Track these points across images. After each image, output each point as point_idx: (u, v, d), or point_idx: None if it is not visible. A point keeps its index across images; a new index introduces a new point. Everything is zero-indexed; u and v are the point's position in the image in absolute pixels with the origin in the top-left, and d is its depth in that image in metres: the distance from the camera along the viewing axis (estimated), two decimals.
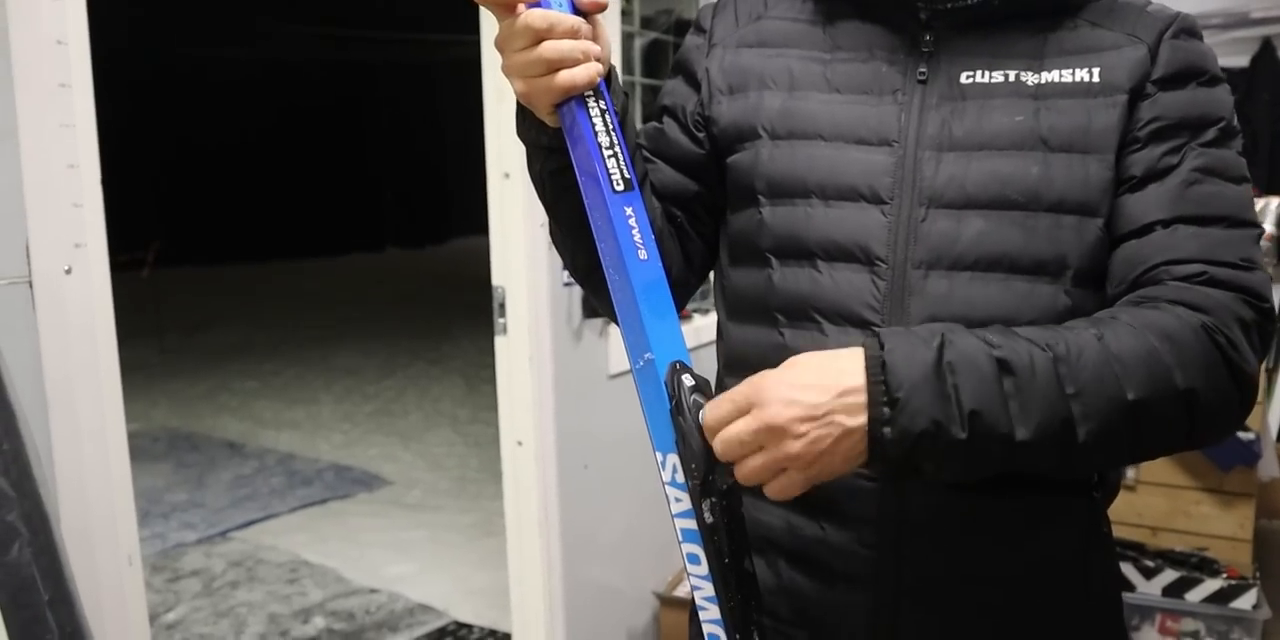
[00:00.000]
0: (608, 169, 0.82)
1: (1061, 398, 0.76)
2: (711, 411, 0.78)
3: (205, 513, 4.18)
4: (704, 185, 1.05)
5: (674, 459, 0.79)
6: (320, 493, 4.42)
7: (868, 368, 0.75)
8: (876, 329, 0.81)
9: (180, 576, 3.58)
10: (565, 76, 0.82)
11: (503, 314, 2.27)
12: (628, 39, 2.67)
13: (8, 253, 1.34)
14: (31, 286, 1.35)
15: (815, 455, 0.75)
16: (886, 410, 0.74)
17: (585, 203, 0.84)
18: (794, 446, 0.74)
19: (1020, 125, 0.90)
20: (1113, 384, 0.76)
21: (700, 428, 0.77)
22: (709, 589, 0.80)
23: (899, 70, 0.95)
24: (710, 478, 0.77)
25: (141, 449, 5.12)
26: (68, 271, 1.38)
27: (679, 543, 0.81)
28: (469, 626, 3.17)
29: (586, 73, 0.82)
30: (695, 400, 0.79)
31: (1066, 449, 0.76)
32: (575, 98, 0.83)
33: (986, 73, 0.92)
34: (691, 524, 0.79)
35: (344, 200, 12.86)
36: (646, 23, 2.81)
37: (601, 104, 0.84)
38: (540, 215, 2.25)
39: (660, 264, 0.85)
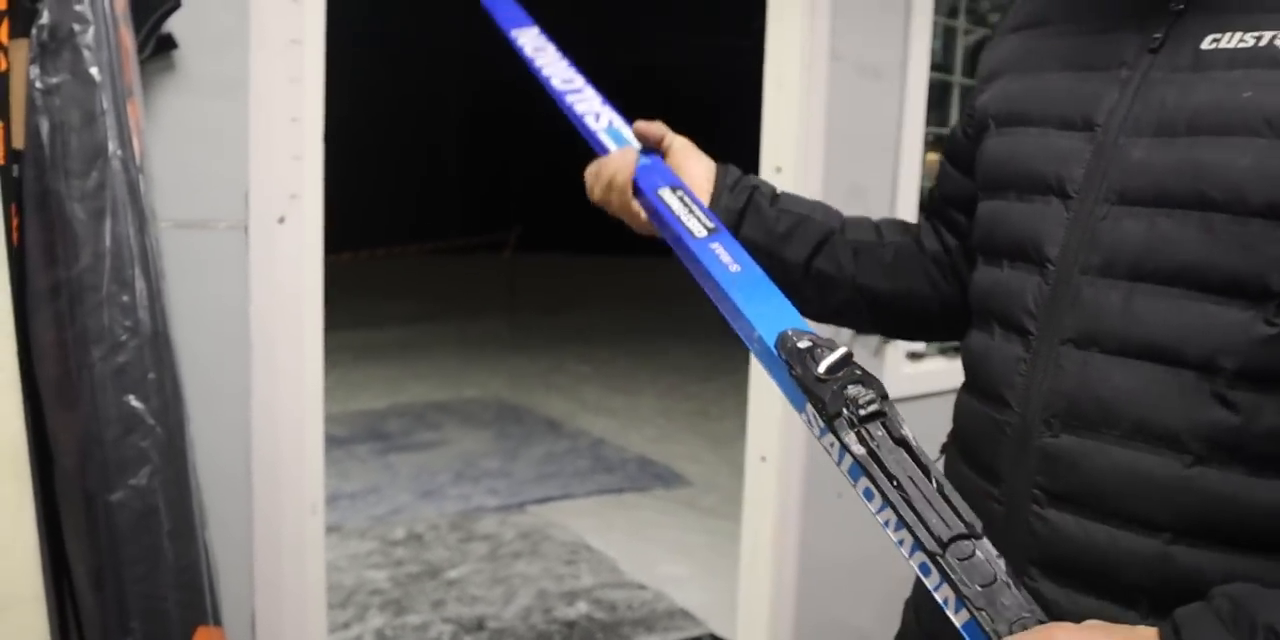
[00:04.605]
0: (685, 225, 0.92)
1: None
2: None
3: (510, 483, 4.39)
4: None
5: (810, 409, 0.76)
6: (619, 482, 4.49)
7: None
8: (1175, 613, 0.65)
9: (472, 538, 3.77)
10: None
11: None
12: (949, 33, 2.40)
13: (228, 198, 1.42)
14: (247, 232, 1.42)
15: None
16: None
17: (679, 256, 0.92)
18: None
19: (1245, 103, 0.70)
20: None
21: (818, 362, 0.74)
22: (904, 535, 0.69)
23: (1136, 37, 0.79)
24: (840, 411, 0.73)
25: (472, 415, 5.50)
26: (281, 221, 1.43)
27: (864, 502, 0.73)
28: None
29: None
30: (813, 352, 0.76)
31: None
32: (638, 191, 0.97)
33: (1237, 35, 0.73)
34: (855, 466, 0.73)
35: None
36: (978, 19, 2.51)
37: (658, 182, 0.97)
38: None
39: (759, 272, 0.87)
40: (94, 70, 1.15)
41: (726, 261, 0.87)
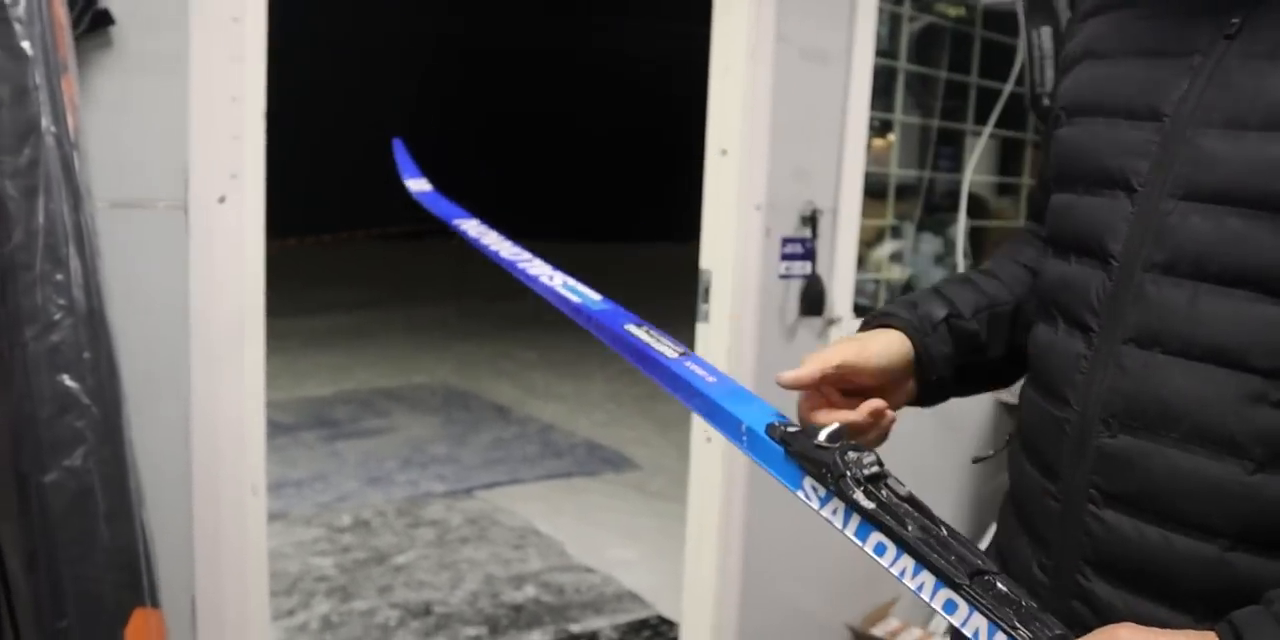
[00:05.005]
0: (658, 350, 0.94)
1: None
2: None
3: (458, 468, 4.38)
4: None
5: (809, 482, 0.77)
6: (568, 467, 4.51)
7: None
8: (1231, 616, 0.66)
9: (420, 524, 3.76)
10: None
11: (706, 300, 2.14)
12: (894, 19, 2.43)
13: (167, 178, 1.41)
14: (186, 211, 1.40)
15: None
16: None
17: (655, 377, 0.94)
18: None
19: None
20: None
21: (812, 438, 0.76)
22: (923, 578, 0.69)
23: (1212, 23, 0.75)
24: (845, 472, 0.74)
25: (421, 401, 5.47)
26: (221, 200, 1.41)
27: (875, 558, 0.73)
28: (671, 623, 3.08)
29: None
30: (805, 431, 0.78)
31: None
32: (607, 329, 0.99)
33: None
34: (864, 525, 0.74)
35: (659, 189, 13.28)
36: (923, 6, 2.54)
37: (621, 321, 1.00)
38: (756, 196, 2.10)
39: (734, 382, 0.87)
40: (26, 44, 1.13)
41: (702, 374, 0.90)
